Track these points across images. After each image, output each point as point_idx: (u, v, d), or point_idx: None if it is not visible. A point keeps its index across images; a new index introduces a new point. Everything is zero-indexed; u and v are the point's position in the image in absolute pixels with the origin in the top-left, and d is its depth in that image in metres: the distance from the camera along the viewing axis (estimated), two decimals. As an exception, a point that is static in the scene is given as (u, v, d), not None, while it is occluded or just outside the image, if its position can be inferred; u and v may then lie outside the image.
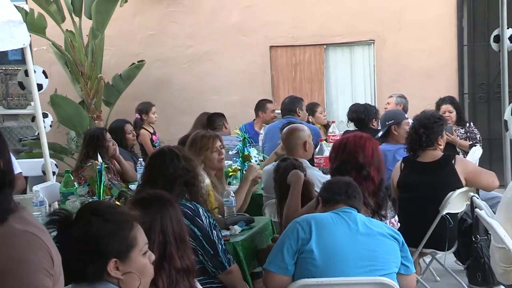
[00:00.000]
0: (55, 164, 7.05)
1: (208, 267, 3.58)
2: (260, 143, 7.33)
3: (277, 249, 3.31)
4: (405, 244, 3.37)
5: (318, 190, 4.12)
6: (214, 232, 3.58)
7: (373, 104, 8.20)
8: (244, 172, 6.08)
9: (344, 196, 3.37)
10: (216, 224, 3.66)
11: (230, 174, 6.19)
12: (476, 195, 4.83)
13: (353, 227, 3.25)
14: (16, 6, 6.46)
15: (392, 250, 3.29)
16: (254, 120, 8.05)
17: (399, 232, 3.37)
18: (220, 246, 3.58)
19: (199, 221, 3.51)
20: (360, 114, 6.89)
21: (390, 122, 5.90)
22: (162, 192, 3.07)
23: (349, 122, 7.20)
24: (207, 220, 3.56)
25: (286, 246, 3.25)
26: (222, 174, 4.96)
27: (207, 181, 4.16)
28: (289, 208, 4.10)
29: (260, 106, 8.07)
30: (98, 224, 2.21)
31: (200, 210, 3.55)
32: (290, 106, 7.39)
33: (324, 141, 6.30)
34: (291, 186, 4.19)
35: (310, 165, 5.15)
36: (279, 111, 7.74)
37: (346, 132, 6.88)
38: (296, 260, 3.25)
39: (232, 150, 6.35)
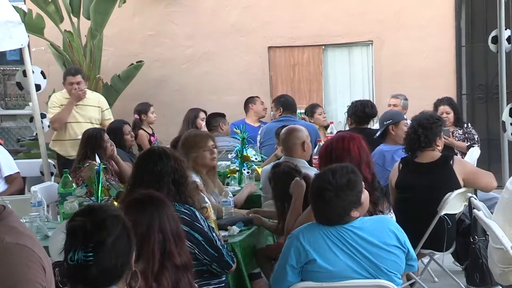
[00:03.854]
0: (53, 165, 7.06)
1: (213, 269, 3.57)
2: (258, 144, 7.31)
3: (281, 268, 3.25)
4: (411, 248, 3.29)
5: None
6: (214, 233, 3.59)
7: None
8: (242, 171, 6.09)
9: (337, 217, 3.17)
10: (211, 225, 3.67)
11: (229, 175, 6.19)
12: (474, 196, 4.83)
13: (352, 250, 3.14)
14: (14, 7, 6.47)
15: (395, 263, 3.21)
16: (245, 118, 8.10)
17: (405, 236, 3.25)
18: (222, 247, 3.58)
19: (198, 225, 3.50)
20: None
21: (388, 122, 5.90)
22: (154, 192, 3.07)
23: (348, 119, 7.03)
24: (206, 223, 3.56)
25: (289, 266, 3.21)
26: (215, 172, 4.95)
27: (197, 179, 4.15)
28: (289, 222, 4.05)
29: (249, 100, 8.20)
30: (123, 225, 2.21)
31: (197, 213, 3.54)
32: (294, 106, 7.38)
33: (323, 142, 6.29)
34: (293, 197, 4.12)
35: (309, 166, 5.15)
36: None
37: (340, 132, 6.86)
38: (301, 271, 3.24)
39: (231, 153, 6.35)
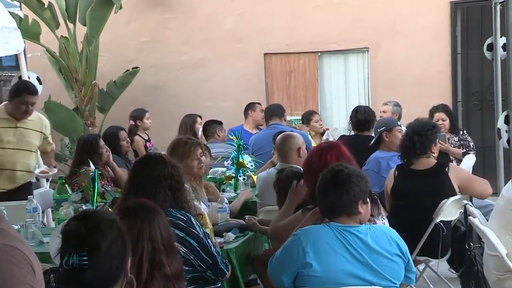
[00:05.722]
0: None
1: (208, 275, 3.56)
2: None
3: (280, 261, 3.26)
4: (411, 259, 3.31)
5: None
6: (209, 240, 3.58)
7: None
8: (238, 177, 6.09)
9: (345, 205, 3.19)
10: (207, 232, 3.67)
11: (224, 181, 6.19)
12: (470, 203, 4.84)
13: (355, 254, 3.15)
14: (10, 12, 6.48)
15: (396, 271, 3.22)
16: (243, 124, 8.11)
17: (406, 247, 3.27)
18: (216, 254, 3.58)
19: (194, 231, 3.49)
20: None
21: (381, 129, 5.92)
22: (146, 200, 3.07)
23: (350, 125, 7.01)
24: (201, 230, 3.56)
25: (286, 266, 3.21)
26: (201, 179, 4.93)
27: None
28: (276, 223, 4.05)
29: (250, 106, 8.20)
30: (118, 230, 2.20)
31: (193, 219, 3.53)
32: (280, 112, 7.41)
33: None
34: (288, 199, 4.11)
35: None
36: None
37: (342, 137, 6.87)
38: (296, 274, 3.23)
39: (227, 160, 6.35)
